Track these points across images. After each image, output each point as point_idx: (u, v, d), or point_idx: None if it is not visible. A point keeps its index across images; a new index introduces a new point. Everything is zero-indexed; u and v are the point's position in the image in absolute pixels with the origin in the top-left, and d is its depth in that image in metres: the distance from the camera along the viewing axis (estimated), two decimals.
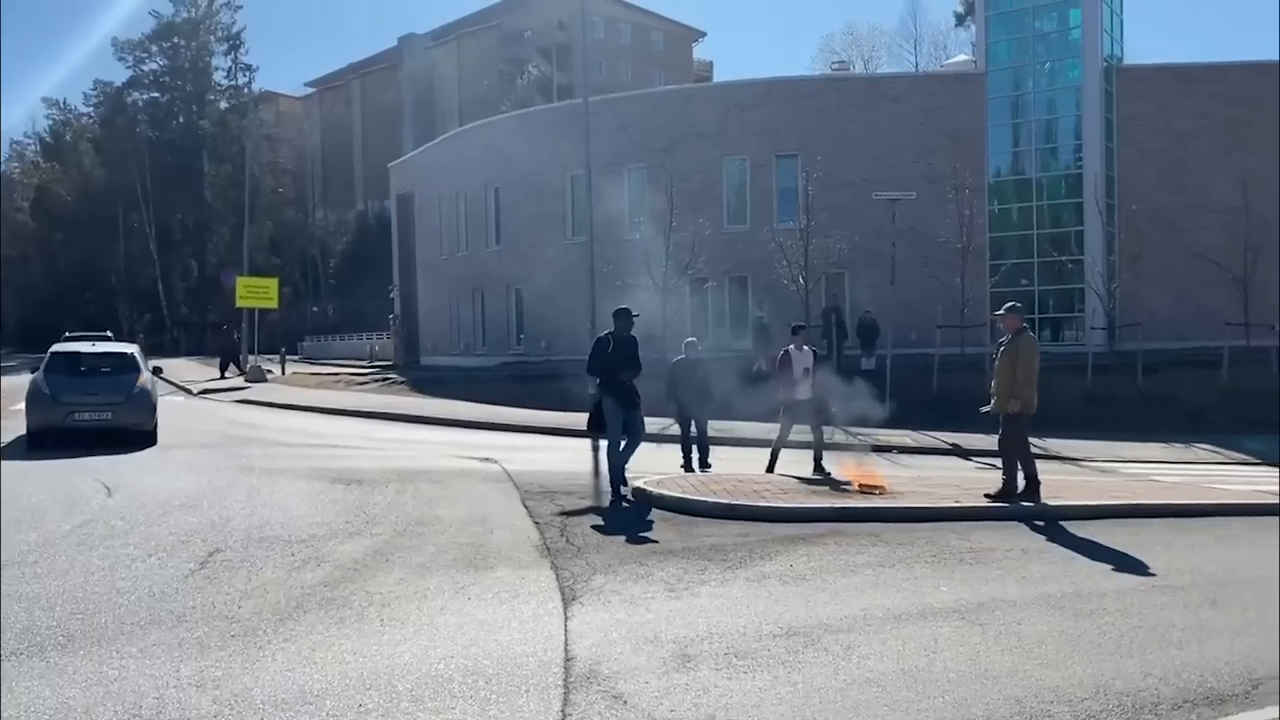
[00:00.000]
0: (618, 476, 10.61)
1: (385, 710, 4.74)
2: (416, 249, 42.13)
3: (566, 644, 5.74)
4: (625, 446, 10.66)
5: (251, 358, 34.17)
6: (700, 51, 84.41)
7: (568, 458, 14.56)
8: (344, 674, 5.19)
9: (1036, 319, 31.56)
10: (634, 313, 11.09)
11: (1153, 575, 7.81)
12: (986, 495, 10.71)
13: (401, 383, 29.15)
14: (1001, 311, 10.86)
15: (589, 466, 13.48)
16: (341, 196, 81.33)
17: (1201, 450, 18.14)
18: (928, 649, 5.83)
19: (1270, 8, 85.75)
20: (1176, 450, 18.01)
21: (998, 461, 16.36)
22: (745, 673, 5.36)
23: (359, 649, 5.59)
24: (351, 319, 63.79)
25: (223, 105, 72.69)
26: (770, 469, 12.50)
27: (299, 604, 6.42)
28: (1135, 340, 23.79)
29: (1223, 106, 29.74)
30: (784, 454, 12.72)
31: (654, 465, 12.37)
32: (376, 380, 30.38)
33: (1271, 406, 20.96)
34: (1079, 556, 8.47)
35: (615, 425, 10.71)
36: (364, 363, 42.06)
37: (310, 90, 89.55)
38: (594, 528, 8.88)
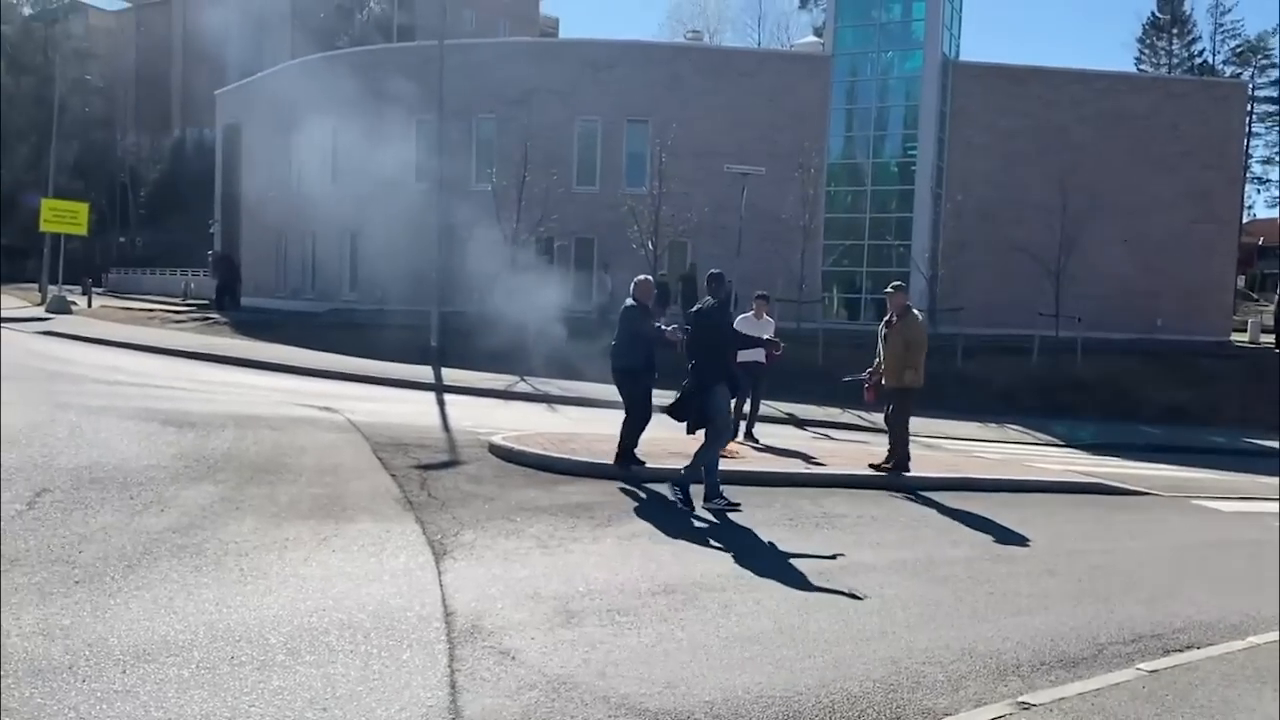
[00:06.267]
0: (715, 475, 8.67)
1: (261, 663, 4.49)
2: (243, 183, 39.93)
3: (444, 598, 5.58)
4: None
5: (53, 288, 31.65)
6: (546, 7, 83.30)
7: (411, 410, 14.13)
8: (209, 625, 4.88)
9: (864, 299, 32.97)
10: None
11: (993, 545, 8.30)
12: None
13: (224, 323, 27.65)
14: (889, 290, 11.18)
15: (436, 420, 13.20)
16: (157, 121, 76.05)
17: (1012, 430, 19.40)
18: (800, 609, 5.99)
19: (1090, 19, 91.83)
20: (991, 430, 19.18)
21: (831, 431, 17.14)
22: (630, 629, 5.35)
23: (221, 599, 5.26)
24: (162, 253, 59.99)
25: (26, 11, 66.55)
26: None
27: (147, 550, 5.97)
28: (955, 325, 25.13)
29: (1043, 109, 31.67)
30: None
31: (509, 421, 12.20)
32: (195, 319, 28.71)
33: (1074, 393, 22.69)
34: (922, 526, 8.89)
35: (725, 415, 8.97)
36: (178, 300, 39.72)
37: (126, 5, 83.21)
38: (455, 482, 8.66)
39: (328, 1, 69.03)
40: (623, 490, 8.96)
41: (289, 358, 20.97)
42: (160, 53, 78.68)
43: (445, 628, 5.13)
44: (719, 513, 8.33)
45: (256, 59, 58.98)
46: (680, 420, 8.90)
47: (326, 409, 12.89)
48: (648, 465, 9.57)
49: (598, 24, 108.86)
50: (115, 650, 4.46)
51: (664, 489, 8.80)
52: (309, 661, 4.55)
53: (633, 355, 9.57)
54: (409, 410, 13.99)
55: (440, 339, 20.12)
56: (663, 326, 9.71)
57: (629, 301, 9.70)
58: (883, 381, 10.95)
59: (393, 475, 8.68)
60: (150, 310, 32.61)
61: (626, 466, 9.47)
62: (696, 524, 7.97)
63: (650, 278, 10.18)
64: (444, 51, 21.03)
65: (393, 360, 20.38)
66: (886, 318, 11.07)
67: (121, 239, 68.16)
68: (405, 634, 5.00)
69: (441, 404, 15.29)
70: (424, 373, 18.92)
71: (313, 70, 35.77)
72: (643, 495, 8.80)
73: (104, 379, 15.54)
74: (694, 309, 9.15)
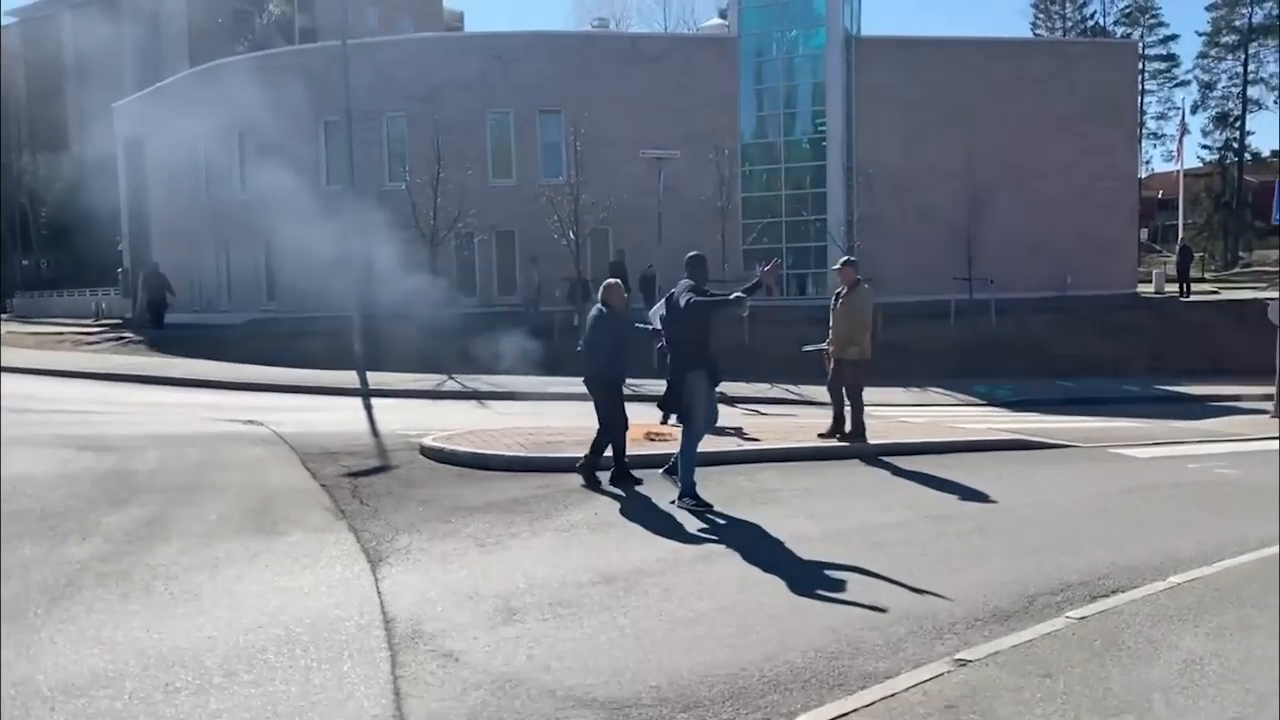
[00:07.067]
0: (690, 473, 8.17)
1: (197, 687, 4.40)
2: (149, 197, 38.79)
3: (383, 605, 5.54)
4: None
5: None
6: (450, 1, 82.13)
7: (339, 418, 13.91)
8: (140, 653, 4.77)
9: (785, 275, 33.29)
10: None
11: (924, 508, 8.48)
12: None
13: (140, 341, 26.87)
14: (838, 266, 11.59)
15: (365, 425, 13.00)
16: (53, 139, 73.24)
17: (935, 393, 19.84)
18: (740, 585, 6.07)
19: None
20: (914, 394, 19.58)
21: (761, 406, 17.33)
22: (572, 621, 5.37)
23: (152, 625, 5.15)
24: (69, 273, 58.11)
25: None
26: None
27: (71, 581, 5.81)
28: (876, 294, 25.48)
29: (945, 78, 32.17)
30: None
31: (439, 421, 12.09)
32: (110, 339, 27.85)
33: (992, 353, 23.25)
34: (856, 494, 9.06)
35: (709, 408, 8.43)
36: (89, 320, 38.48)
37: (12, 20, 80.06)
38: (387, 488, 8.56)
39: (225, 6, 67.19)
40: (559, 483, 8.94)
41: (210, 372, 20.48)
42: (51, 68, 75.77)
43: (386, 635, 5.10)
44: (693, 512, 7.91)
45: (155, 69, 57.31)
46: (670, 412, 8.67)
47: (251, 422, 12.61)
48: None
49: (503, 16, 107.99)
50: (42, 688, 4.34)
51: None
52: (247, 681, 4.48)
53: (615, 367, 8.88)
54: (336, 418, 13.77)
55: (364, 342, 19.81)
56: (646, 326, 9.15)
57: (599, 309, 8.99)
58: (831, 353, 11.40)
59: (323, 485, 8.55)
60: (60, 334, 31.51)
61: (626, 484, 8.78)
62: (636, 511, 8.00)
63: (620, 281, 9.37)
64: (348, 51, 20.64)
65: (317, 368, 20.04)
66: (838, 291, 11.48)
67: (25, 262, 65.81)
68: (345, 644, 4.95)
69: (369, 409, 15.07)
70: (349, 378, 18.61)
71: (213, 77, 34.84)
72: (581, 485, 8.79)
73: (15, 408, 14.98)
74: (668, 295, 8.75)
